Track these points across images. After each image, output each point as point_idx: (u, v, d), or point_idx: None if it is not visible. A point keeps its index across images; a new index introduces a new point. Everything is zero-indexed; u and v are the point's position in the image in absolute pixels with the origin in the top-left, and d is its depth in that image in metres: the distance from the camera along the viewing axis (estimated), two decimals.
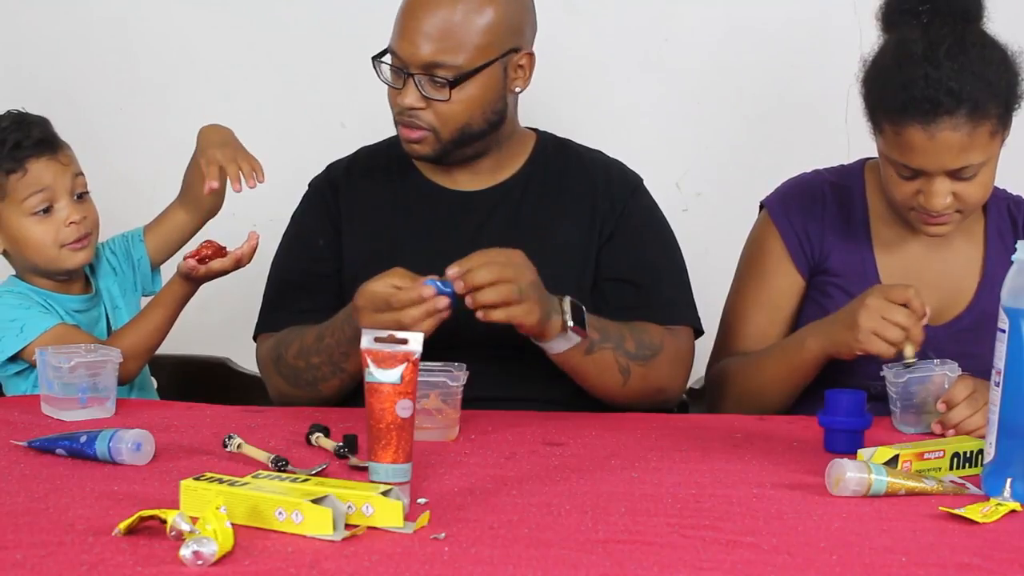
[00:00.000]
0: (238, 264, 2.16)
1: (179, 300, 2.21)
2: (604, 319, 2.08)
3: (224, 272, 2.17)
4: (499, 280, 1.87)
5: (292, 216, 2.32)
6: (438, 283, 1.87)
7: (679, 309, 2.21)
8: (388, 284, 1.90)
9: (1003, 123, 2.04)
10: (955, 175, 2.04)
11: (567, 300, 1.98)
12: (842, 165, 2.31)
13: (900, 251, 2.23)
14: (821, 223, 2.24)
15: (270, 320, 2.24)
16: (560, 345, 2.01)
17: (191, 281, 2.19)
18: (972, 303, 2.20)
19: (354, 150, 2.36)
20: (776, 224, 2.26)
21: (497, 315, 1.88)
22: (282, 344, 2.15)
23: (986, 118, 2.00)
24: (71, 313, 2.24)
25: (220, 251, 2.16)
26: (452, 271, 1.87)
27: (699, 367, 2.38)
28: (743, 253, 2.33)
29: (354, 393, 2.03)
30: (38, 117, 2.26)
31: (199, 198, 2.34)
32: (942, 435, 1.91)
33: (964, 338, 2.16)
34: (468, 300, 1.87)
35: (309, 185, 2.33)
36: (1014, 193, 2.30)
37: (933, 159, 2.01)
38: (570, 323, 1.97)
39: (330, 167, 2.33)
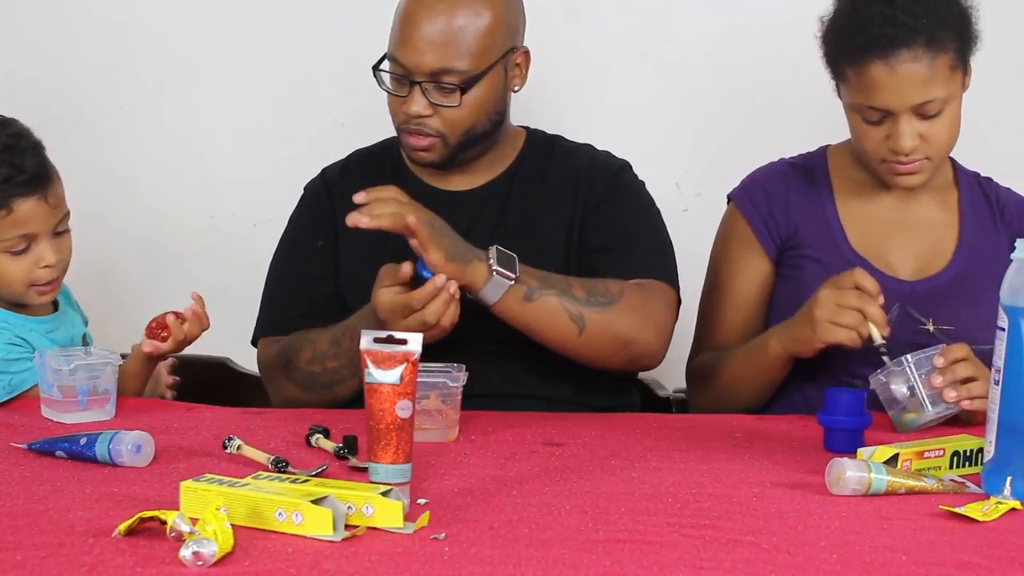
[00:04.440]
0: (199, 324, 2.14)
1: (147, 373, 2.17)
2: (548, 272, 2.06)
3: (180, 339, 2.13)
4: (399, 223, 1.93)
5: (289, 219, 2.32)
6: (424, 271, 1.95)
7: (651, 266, 2.16)
8: (393, 291, 1.94)
9: (961, 59, 2.10)
10: (920, 112, 2.08)
11: (493, 248, 2.00)
12: (805, 152, 2.36)
13: (867, 218, 2.26)
14: (786, 200, 2.27)
15: (270, 324, 2.25)
16: (492, 293, 2.00)
17: (153, 360, 2.16)
18: (951, 262, 2.23)
19: (353, 149, 2.36)
20: (741, 211, 2.30)
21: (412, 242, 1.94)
22: (291, 350, 2.15)
23: (943, 50, 2.06)
24: (44, 335, 2.17)
25: (163, 325, 2.12)
26: (358, 197, 1.94)
27: (683, 350, 2.37)
28: (713, 246, 2.36)
29: (360, 394, 2.04)
30: (32, 143, 2.13)
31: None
32: (957, 400, 1.92)
33: (942, 293, 2.20)
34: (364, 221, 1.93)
35: (304, 189, 2.33)
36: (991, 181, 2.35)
37: (896, 95, 2.06)
38: (495, 266, 1.98)
39: (325, 170, 2.33)
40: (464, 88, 2.09)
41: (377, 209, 1.93)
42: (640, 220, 2.23)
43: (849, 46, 2.09)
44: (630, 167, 2.28)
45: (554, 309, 2.04)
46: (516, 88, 2.19)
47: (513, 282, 1.99)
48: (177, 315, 2.14)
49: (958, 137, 2.15)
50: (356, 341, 2.01)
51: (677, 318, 2.20)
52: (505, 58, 2.14)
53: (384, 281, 1.97)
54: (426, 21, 2.08)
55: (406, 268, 1.96)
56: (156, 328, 2.13)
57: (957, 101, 2.12)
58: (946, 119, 2.10)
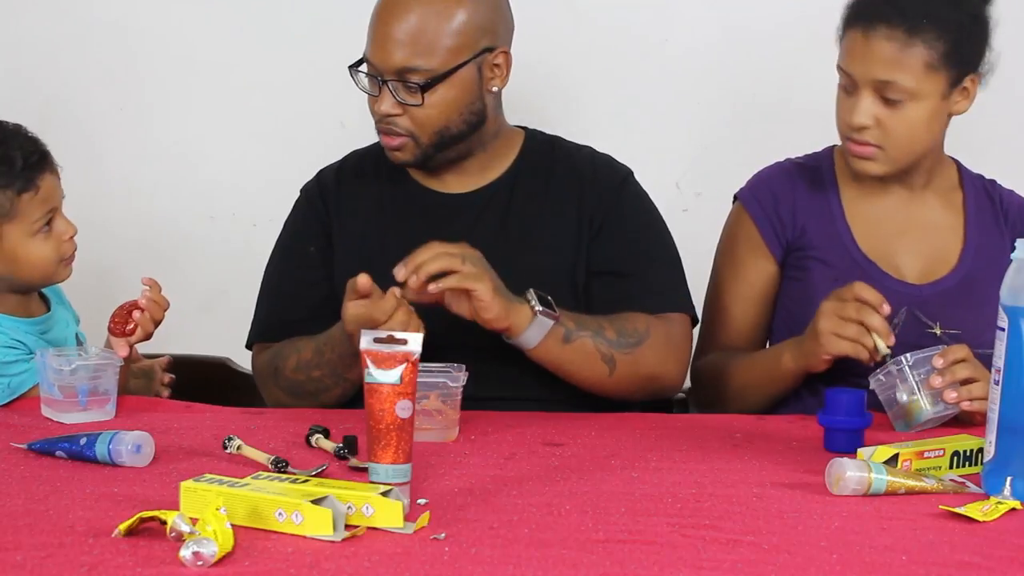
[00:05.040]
0: (160, 309, 2.12)
1: (125, 368, 2.13)
2: (579, 313, 2.07)
3: (150, 331, 2.12)
4: (446, 262, 1.92)
5: (284, 224, 2.32)
6: None
7: (669, 296, 2.18)
8: (360, 304, 1.93)
9: (947, 66, 2.09)
10: (881, 92, 2.09)
11: (531, 290, 2.00)
12: (812, 152, 2.36)
13: (874, 220, 2.25)
14: (792, 200, 2.27)
15: (263, 329, 2.26)
16: (534, 335, 2.00)
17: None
18: (957, 265, 2.23)
19: (354, 149, 2.36)
20: (748, 211, 2.30)
21: (449, 281, 1.91)
22: (279, 358, 2.16)
23: (924, 44, 2.08)
24: (39, 336, 2.17)
25: (127, 319, 2.11)
26: (399, 272, 1.91)
27: None
28: (719, 245, 2.36)
29: (354, 395, 2.04)
30: (15, 124, 2.15)
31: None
32: (957, 401, 1.92)
33: (949, 297, 2.20)
34: (414, 281, 1.90)
35: (301, 191, 2.33)
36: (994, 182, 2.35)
37: (861, 64, 2.10)
38: (538, 307, 1.98)
39: (320, 173, 2.33)
40: (425, 87, 2.09)
41: (420, 257, 1.92)
42: (650, 239, 2.23)
43: (848, 14, 2.14)
44: (633, 175, 2.27)
45: (589, 351, 2.06)
46: (494, 89, 2.17)
47: (555, 323, 2.00)
48: (137, 306, 2.12)
49: (922, 145, 2.15)
50: (337, 351, 2.04)
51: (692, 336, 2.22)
52: (479, 58, 2.13)
53: (351, 294, 1.95)
54: (393, 20, 2.09)
55: (362, 280, 1.93)
56: (120, 323, 2.11)
57: (927, 105, 2.11)
58: (908, 116, 2.10)
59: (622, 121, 2.92)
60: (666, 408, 2.39)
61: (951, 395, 1.93)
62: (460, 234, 2.16)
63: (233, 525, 1.36)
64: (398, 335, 1.58)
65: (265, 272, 2.30)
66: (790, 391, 2.18)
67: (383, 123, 2.13)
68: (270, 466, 1.68)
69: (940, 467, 1.75)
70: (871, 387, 1.98)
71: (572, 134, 2.34)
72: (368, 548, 1.39)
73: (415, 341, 1.56)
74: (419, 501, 1.56)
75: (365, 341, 1.56)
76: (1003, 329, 1.60)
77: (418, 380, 1.57)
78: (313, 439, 1.82)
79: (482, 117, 2.17)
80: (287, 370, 2.14)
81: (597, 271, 2.19)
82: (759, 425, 2.04)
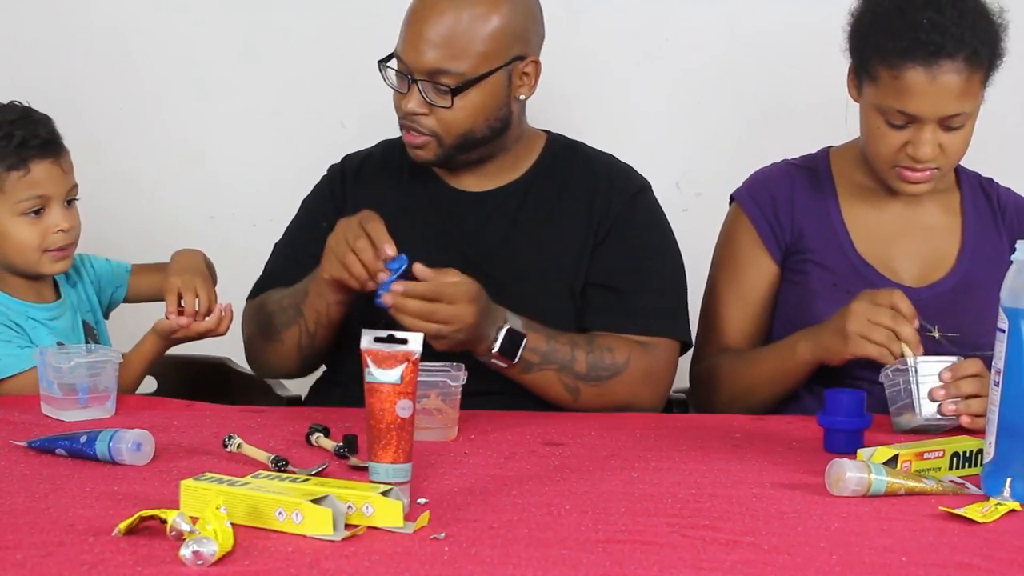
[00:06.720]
0: (216, 329, 2.15)
1: (153, 358, 2.19)
2: (558, 338, 2.07)
3: (201, 336, 2.16)
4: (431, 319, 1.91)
5: (305, 196, 2.35)
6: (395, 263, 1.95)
7: (659, 320, 2.17)
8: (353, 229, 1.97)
9: (988, 77, 2.11)
10: (945, 124, 2.08)
11: (505, 329, 1.99)
12: (808, 154, 2.35)
13: (872, 224, 2.25)
14: (790, 203, 2.27)
15: (263, 286, 2.29)
16: (484, 359, 2.02)
17: (167, 340, 2.18)
18: (955, 267, 2.23)
19: (355, 149, 2.37)
20: (747, 212, 2.29)
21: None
22: (269, 296, 2.21)
23: (980, 67, 2.07)
24: (45, 323, 2.19)
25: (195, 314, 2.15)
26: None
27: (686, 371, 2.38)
28: (717, 247, 2.36)
29: (353, 394, 2.03)
30: (43, 115, 2.22)
31: None
32: (955, 414, 1.92)
33: (946, 300, 2.20)
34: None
35: (327, 170, 2.35)
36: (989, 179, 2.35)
37: (931, 103, 2.06)
38: (494, 351, 2.00)
39: (346, 157, 2.35)
40: (456, 90, 2.08)
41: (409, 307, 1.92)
42: (652, 258, 2.21)
43: (891, 47, 2.07)
44: (649, 189, 2.26)
45: (550, 381, 2.07)
46: (522, 97, 2.17)
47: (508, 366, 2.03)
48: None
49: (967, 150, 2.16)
50: (308, 282, 2.07)
51: (679, 362, 2.21)
52: (510, 65, 2.12)
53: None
54: (428, 21, 2.08)
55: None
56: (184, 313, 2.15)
57: (976, 116, 2.12)
58: (964, 132, 2.11)
59: (622, 121, 2.93)
60: (666, 408, 2.39)
61: (949, 407, 1.93)
62: (471, 231, 2.18)
63: (233, 524, 1.36)
64: (398, 335, 1.58)
65: (281, 237, 2.34)
66: (800, 384, 2.17)
67: (408, 120, 2.13)
68: (270, 465, 1.69)
69: (940, 468, 1.75)
70: (880, 379, 1.98)
71: (571, 134, 2.34)
72: (368, 548, 1.39)
73: (415, 341, 1.56)
74: (419, 501, 1.56)
75: (366, 341, 1.56)
76: (1003, 331, 1.60)
77: (418, 379, 1.57)
78: (313, 438, 1.82)
79: (507, 123, 2.17)
80: (270, 301, 2.18)
81: (593, 281, 2.19)
82: (759, 425, 2.04)
